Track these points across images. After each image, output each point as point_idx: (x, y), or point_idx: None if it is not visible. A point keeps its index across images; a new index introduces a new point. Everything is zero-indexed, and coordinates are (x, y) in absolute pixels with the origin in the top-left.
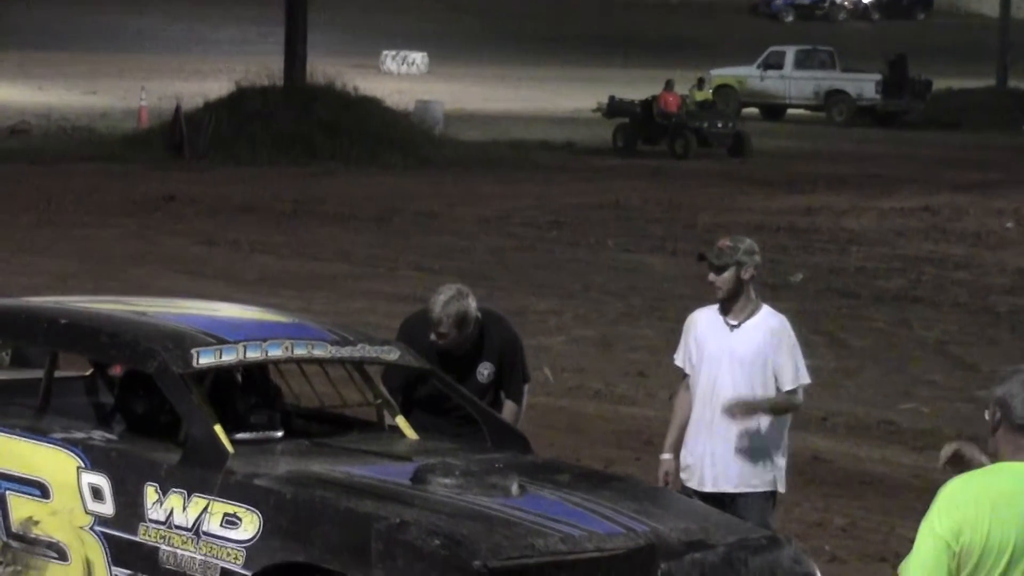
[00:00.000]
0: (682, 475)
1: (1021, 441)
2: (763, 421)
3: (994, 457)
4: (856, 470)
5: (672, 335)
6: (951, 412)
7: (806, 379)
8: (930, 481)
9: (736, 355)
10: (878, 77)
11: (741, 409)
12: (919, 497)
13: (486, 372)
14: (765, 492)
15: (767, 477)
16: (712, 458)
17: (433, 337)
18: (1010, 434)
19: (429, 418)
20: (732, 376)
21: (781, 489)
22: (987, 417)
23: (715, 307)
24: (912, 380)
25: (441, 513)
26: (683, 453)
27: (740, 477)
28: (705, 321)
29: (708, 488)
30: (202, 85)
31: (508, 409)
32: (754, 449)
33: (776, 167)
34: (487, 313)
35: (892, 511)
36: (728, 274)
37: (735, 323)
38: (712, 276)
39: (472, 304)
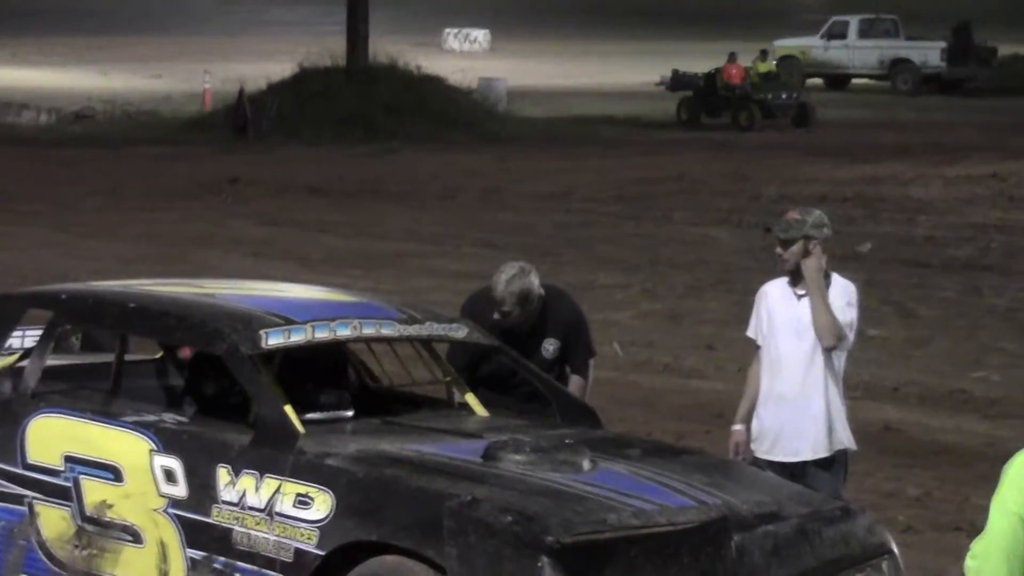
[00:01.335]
0: (752, 445)
1: None
2: (831, 389)
3: None
4: (928, 440)
5: (739, 308)
6: (1022, 379)
7: (850, 338)
8: (1003, 450)
9: (804, 324)
10: (943, 45)
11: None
12: (992, 466)
13: (551, 348)
14: (836, 460)
15: (837, 445)
16: (782, 428)
17: (496, 315)
18: None
19: (494, 395)
20: (799, 345)
21: (849, 456)
22: None
23: (786, 279)
24: (983, 348)
25: (513, 490)
26: (754, 423)
27: (810, 446)
28: (775, 292)
29: (779, 458)
30: (265, 67)
31: (575, 384)
32: (823, 417)
33: (841, 137)
34: (550, 289)
35: (965, 480)
36: (796, 247)
37: (803, 293)
38: (779, 249)
39: (535, 281)
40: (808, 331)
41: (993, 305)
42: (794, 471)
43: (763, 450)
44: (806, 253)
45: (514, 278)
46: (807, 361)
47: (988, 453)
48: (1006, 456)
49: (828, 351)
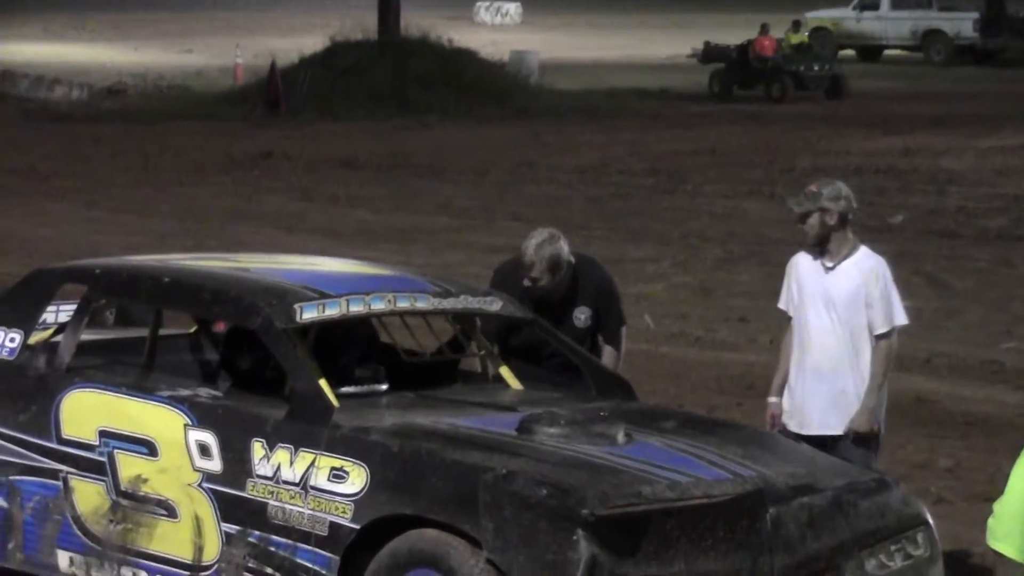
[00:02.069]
0: (784, 418)
1: None
2: (862, 361)
3: None
4: (960, 411)
5: (772, 280)
6: None
7: (902, 320)
8: None
9: (831, 296)
10: (976, 15)
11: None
12: None
13: (583, 317)
14: (867, 433)
15: (868, 418)
16: (813, 401)
17: (527, 283)
18: None
19: (527, 367)
20: (828, 318)
21: (882, 429)
22: None
23: (815, 249)
24: (1015, 319)
25: (548, 463)
26: (785, 396)
27: (841, 419)
28: (804, 264)
29: (811, 431)
30: (296, 41)
31: (607, 355)
32: (852, 390)
33: (874, 109)
34: (580, 258)
35: (998, 451)
36: (813, 219)
37: (831, 265)
38: (798, 223)
39: (565, 247)
40: (836, 304)
41: None
42: (824, 443)
43: (795, 423)
44: (823, 225)
45: (544, 243)
46: (836, 334)
47: (1020, 423)
48: None
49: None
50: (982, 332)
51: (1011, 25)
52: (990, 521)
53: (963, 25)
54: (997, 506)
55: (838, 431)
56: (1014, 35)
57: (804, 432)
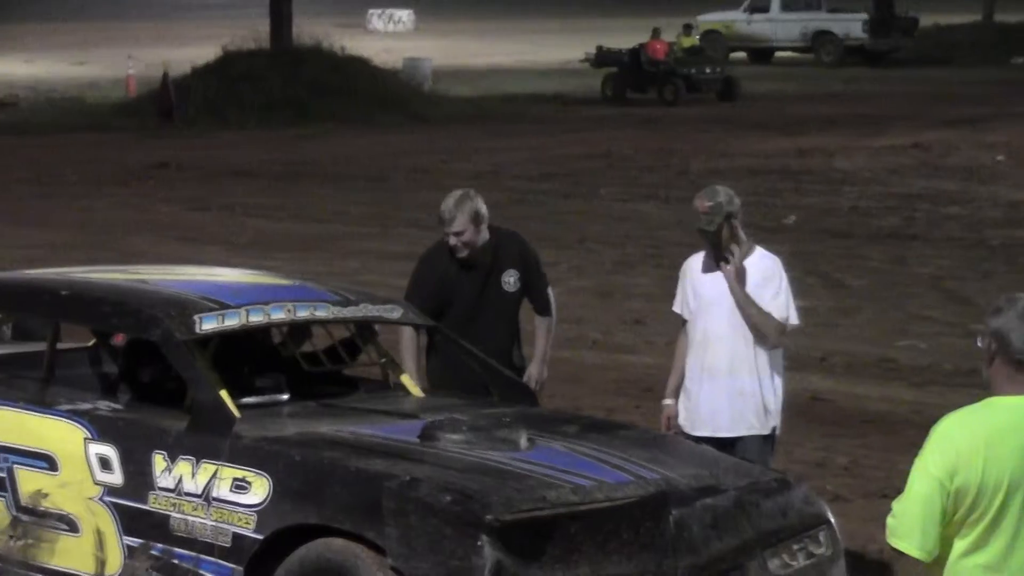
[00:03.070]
0: (681, 421)
1: (1017, 375)
2: (760, 362)
3: (987, 389)
4: (856, 409)
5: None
6: (948, 347)
7: (794, 321)
8: (930, 417)
9: (729, 297)
10: (864, 16)
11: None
12: (920, 433)
13: (511, 280)
14: (763, 434)
15: (764, 418)
16: (710, 403)
17: (452, 240)
18: (1006, 367)
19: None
20: (728, 320)
21: (777, 430)
22: (979, 345)
23: (705, 252)
24: (909, 317)
25: (451, 469)
26: (681, 399)
27: (737, 421)
28: (699, 266)
29: (706, 433)
30: (189, 51)
31: (542, 326)
32: (750, 392)
33: (766, 110)
34: (496, 228)
35: (893, 448)
36: (725, 232)
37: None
38: (711, 240)
39: (481, 203)
40: (728, 307)
41: (918, 274)
42: (723, 444)
43: (692, 426)
44: (731, 231)
45: (461, 198)
46: (737, 337)
47: (915, 420)
48: (933, 423)
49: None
50: (877, 330)
51: (899, 25)
52: (889, 519)
53: (852, 26)
54: (896, 504)
55: (736, 433)
56: (903, 35)
57: (701, 434)
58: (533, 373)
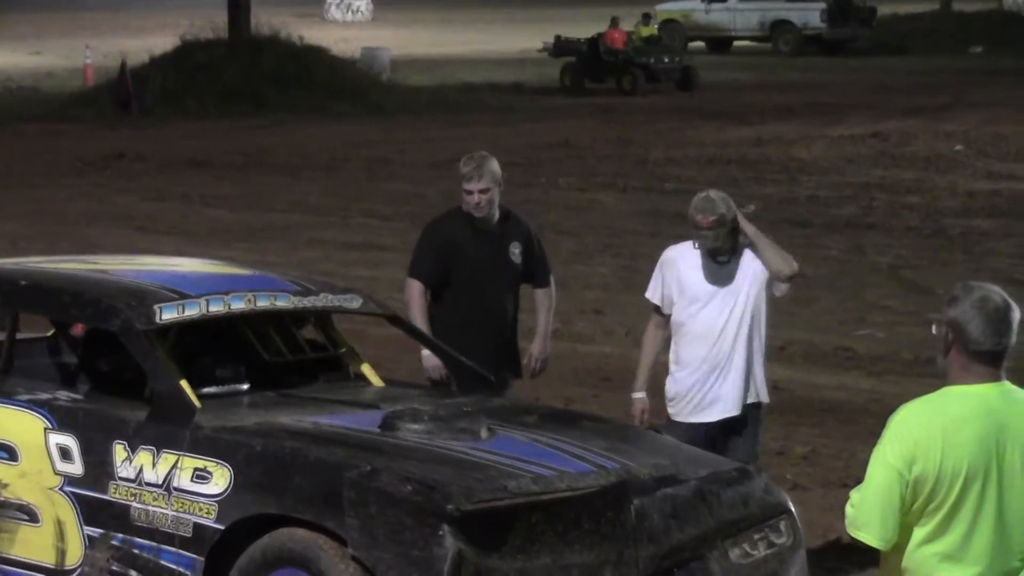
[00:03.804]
0: (670, 409)
1: (973, 365)
2: (755, 348)
3: (943, 378)
4: (815, 398)
5: (627, 272)
6: (906, 336)
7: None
8: (888, 406)
9: (728, 290)
10: (823, 5)
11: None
12: (878, 422)
13: (516, 251)
14: (759, 403)
15: (764, 388)
16: (719, 390)
17: (476, 199)
18: (962, 357)
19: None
20: (730, 308)
21: (766, 399)
22: (934, 332)
23: (689, 244)
24: (867, 306)
25: (412, 459)
26: (669, 387)
27: (734, 404)
28: (686, 263)
29: (713, 417)
30: (147, 41)
31: (542, 297)
32: (744, 375)
33: (725, 100)
34: (502, 204)
35: (852, 437)
36: (732, 235)
37: (724, 259)
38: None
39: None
40: (732, 296)
41: (876, 263)
42: (713, 430)
43: (684, 413)
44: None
45: (485, 157)
46: (733, 325)
47: (873, 409)
48: (891, 412)
49: (785, 281)
50: (835, 319)
51: (857, 15)
52: (848, 509)
53: (810, 15)
54: (855, 494)
55: (730, 414)
56: (861, 25)
57: (707, 419)
58: (535, 350)
